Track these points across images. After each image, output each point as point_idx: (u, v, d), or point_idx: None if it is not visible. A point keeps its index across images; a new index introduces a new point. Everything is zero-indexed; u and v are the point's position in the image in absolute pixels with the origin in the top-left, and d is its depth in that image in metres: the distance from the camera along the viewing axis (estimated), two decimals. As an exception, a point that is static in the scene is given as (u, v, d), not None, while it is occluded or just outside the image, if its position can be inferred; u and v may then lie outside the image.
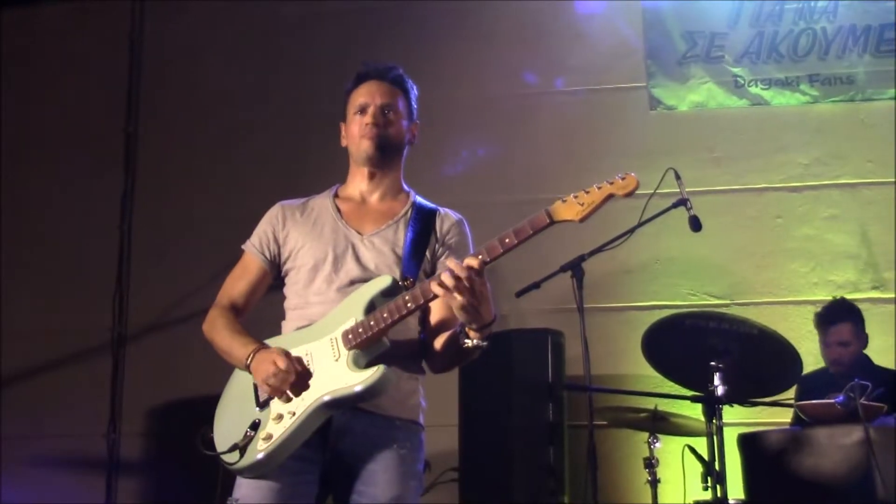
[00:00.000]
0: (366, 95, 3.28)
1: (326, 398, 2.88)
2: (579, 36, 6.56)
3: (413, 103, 3.39)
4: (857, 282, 5.92)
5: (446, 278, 2.76)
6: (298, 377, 2.92)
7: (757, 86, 6.34)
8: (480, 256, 2.81)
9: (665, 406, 4.84)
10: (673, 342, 4.60)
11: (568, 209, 2.78)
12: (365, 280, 3.06)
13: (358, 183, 3.30)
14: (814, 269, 6.05)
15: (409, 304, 2.87)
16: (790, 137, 6.26)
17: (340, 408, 2.92)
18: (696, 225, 4.78)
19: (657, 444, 4.80)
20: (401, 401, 3.06)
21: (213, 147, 6.66)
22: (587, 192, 2.79)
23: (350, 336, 2.92)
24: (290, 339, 3.06)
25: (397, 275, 3.05)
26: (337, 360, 2.92)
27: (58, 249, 6.94)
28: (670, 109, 6.43)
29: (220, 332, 3.17)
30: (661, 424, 4.85)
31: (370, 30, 6.78)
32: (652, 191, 4.75)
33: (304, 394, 2.92)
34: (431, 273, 3.13)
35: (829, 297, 5.60)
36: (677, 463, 4.81)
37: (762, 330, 4.44)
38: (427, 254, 3.16)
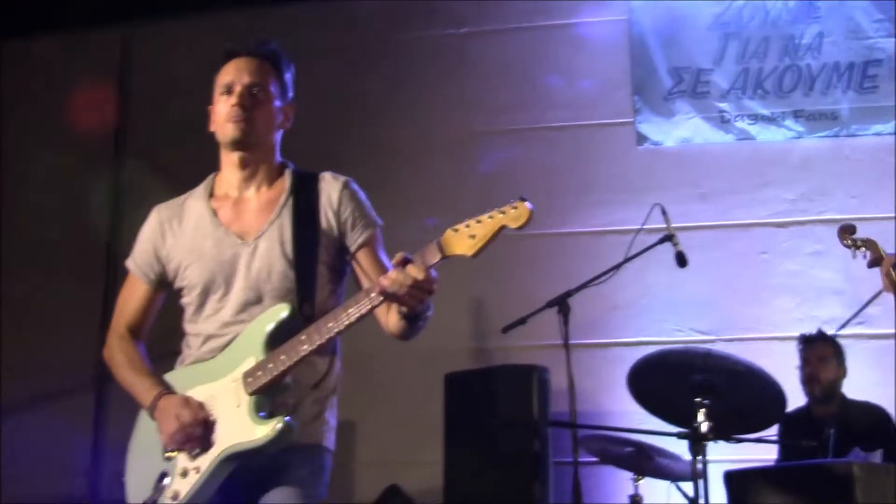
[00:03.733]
0: (232, 73, 3.00)
1: (228, 452, 2.78)
2: (567, 72, 6.58)
3: (288, 83, 3.09)
4: (841, 317, 5.91)
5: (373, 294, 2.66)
6: (203, 429, 2.81)
7: (743, 121, 6.37)
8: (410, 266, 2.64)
9: (650, 443, 4.83)
10: (658, 378, 4.59)
11: (460, 242, 2.59)
12: (259, 298, 2.90)
13: (231, 174, 3.05)
14: (799, 305, 6.06)
15: (304, 347, 2.74)
16: (776, 173, 6.29)
17: (244, 458, 2.79)
18: (682, 261, 4.80)
19: (642, 481, 4.78)
20: (302, 425, 2.86)
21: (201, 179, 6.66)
22: (479, 222, 2.59)
23: (250, 380, 2.79)
24: (191, 377, 2.93)
25: (292, 279, 2.89)
26: (238, 407, 2.80)
27: (47, 279, 6.91)
28: (657, 145, 6.45)
29: (119, 368, 3.03)
30: (646, 461, 4.83)
31: (354, 65, 6.80)
32: (639, 227, 4.77)
33: (208, 448, 2.81)
34: (334, 256, 2.98)
35: (815, 334, 5.61)
36: (662, 500, 4.79)
37: (747, 366, 4.43)
38: (322, 241, 2.96)
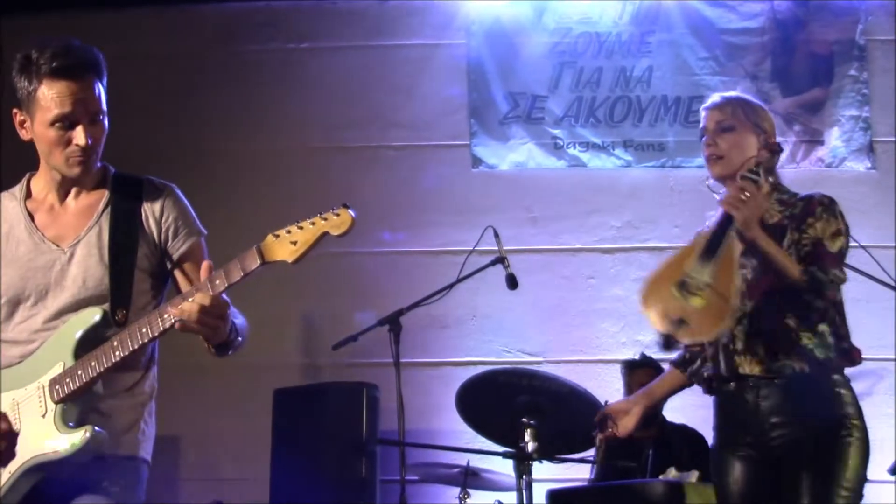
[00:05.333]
0: (69, 103, 2.74)
1: (31, 464, 2.66)
2: (405, 92, 6.62)
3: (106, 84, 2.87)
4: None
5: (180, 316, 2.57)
6: (5, 440, 2.68)
7: (575, 148, 6.52)
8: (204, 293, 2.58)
9: (477, 461, 4.88)
10: (486, 398, 4.64)
11: (281, 248, 2.54)
12: (75, 306, 2.77)
13: (52, 180, 2.89)
14: (623, 329, 6.23)
15: (117, 353, 2.63)
16: (604, 200, 6.45)
17: (49, 469, 2.67)
18: (512, 283, 4.88)
19: (468, 500, 4.82)
20: (116, 435, 2.75)
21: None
22: (300, 228, 2.55)
23: (57, 387, 2.66)
24: None
25: (107, 286, 2.78)
26: (44, 416, 2.67)
27: None
28: (491, 168, 6.54)
29: None
30: (472, 480, 4.88)
31: (192, 73, 6.68)
32: (471, 248, 4.82)
33: (9, 459, 2.68)
34: (155, 263, 2.89)
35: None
36: (488, 518, 4.85)
37: (572, 388, 4.53)
38: (142, 248, 2.85)
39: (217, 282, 2.58)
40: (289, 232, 2.56)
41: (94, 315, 2.73)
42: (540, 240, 6.37)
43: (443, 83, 6.65)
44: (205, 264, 2.69)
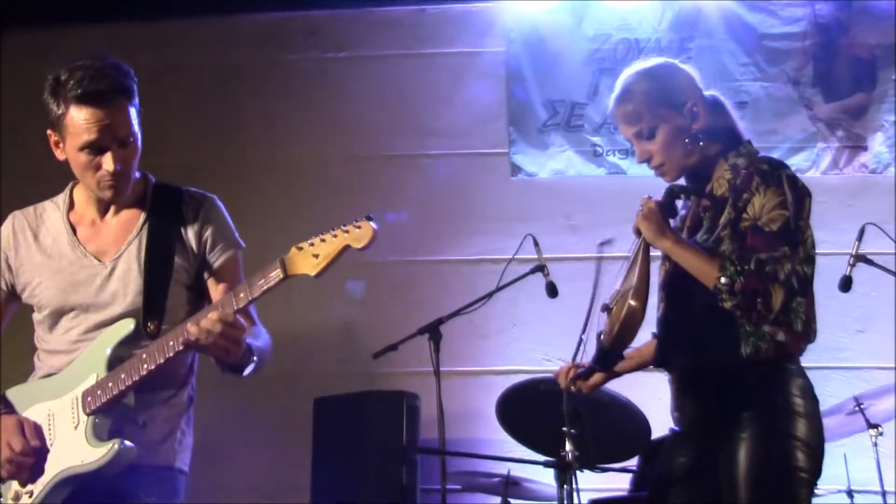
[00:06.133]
0: (96, 129, 2.73)
1: (62, 476, 2.68)
2: (444, 101, 6.62)
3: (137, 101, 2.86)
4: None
5: (195, 335, 2.57)
6: (36, 456, 2.70)
7: (615, 155, 6.49)
8: (219, 314, 2.58)
9: (518, 471, 4.86)
10: (527, 407, 4.63)
11: (304, 261, 2.53)
12: (113, 319, 2.80)
13: (92, 195, 2.92)
14: (665, 337, 6.18)
15: (145, 366, 2.64)
16: (644, 207, 6.41)
17: (81, 482, 2.68)
18: (552, 291, 4.86)
19: (509, 509, 4.80)
20: (151, 448, 2.79)
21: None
22: (323, 241, 2.54)
23: (89, 399, 2.70)
24: (33, 394, 2.82)
25: (143, 298, 2.80)
26: (76, 429, 2.70)
27: None
28: (530, 176, 6.53)
29: None
30: (513, 489, 4.86)
31: (231, 83, 6.72)
32: (511, 256, 4.80)
33: (41, 472, 2.70)
34: (194, 276, 2.90)
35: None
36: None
37: (613, 397, 4.51)
38: (180, 261, 2.87)
39: (241, 295, 2.59)
40: (312, 244, 2.55)
41: (126, 327, 2.75)
42: (580, 248, 6.33)
43: (481, 91, 6.64)
44: (222, 286, 2.75)
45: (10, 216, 3.00)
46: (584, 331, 3.63)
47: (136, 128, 2.83)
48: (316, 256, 2.52)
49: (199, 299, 2.96)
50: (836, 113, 6.38)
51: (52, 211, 2.98)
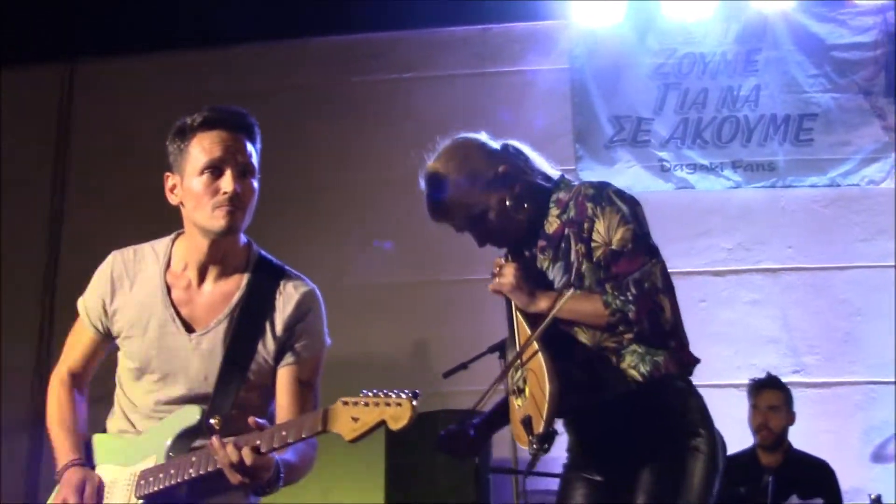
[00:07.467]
0: (219, 150, 2.71)
1: None
2: (509, 119, 6.62)
3: (259, 147, 2.84)
4: (778, 366, 5.99)
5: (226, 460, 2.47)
6: None
7: (682, 170, 6.46)
8: (256, 445, 2.47)
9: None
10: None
11: (343, 421, 2.38)
12: (190, 397, 2.73)
13: (195, 251, 2.80)
14: (736, 353, 6.12)
15: (190, 471, 2.56)
16: (714, 222, 6.37)
17: None
18: (622, 308, 4.81)
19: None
20: None
21: (142, 220, 6.59)
22: (366, 405, 2.38)
23: (142, 482, 2.65)
24: (110, 451, 2.79)
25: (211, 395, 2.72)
26: None
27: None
28: (597, 192, 6.50)
29: (48, 417, 2.88)
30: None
31: (298, 108, 6.80)
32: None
33: None
34: (267, 377, 2.79)
35: (752, 381, 5.66)
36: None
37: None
38: (258, 358, 2.76)
39: (283, 433, 2.48)
40: (356, 404, 2.40)
41: (192, 416, 2.69)
42: (649, 263, 6.28)
43: (547, 108, 6.65)
44: (291, 386, 2.71)
45: (110, 256, 2.93)
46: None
47: (257, 166, 2.80)
48: (355, 420, 2.38)
49: (269, 397, 2.86)
50: (909, 124, 6.29)
51: (151, 262, 2.88)
